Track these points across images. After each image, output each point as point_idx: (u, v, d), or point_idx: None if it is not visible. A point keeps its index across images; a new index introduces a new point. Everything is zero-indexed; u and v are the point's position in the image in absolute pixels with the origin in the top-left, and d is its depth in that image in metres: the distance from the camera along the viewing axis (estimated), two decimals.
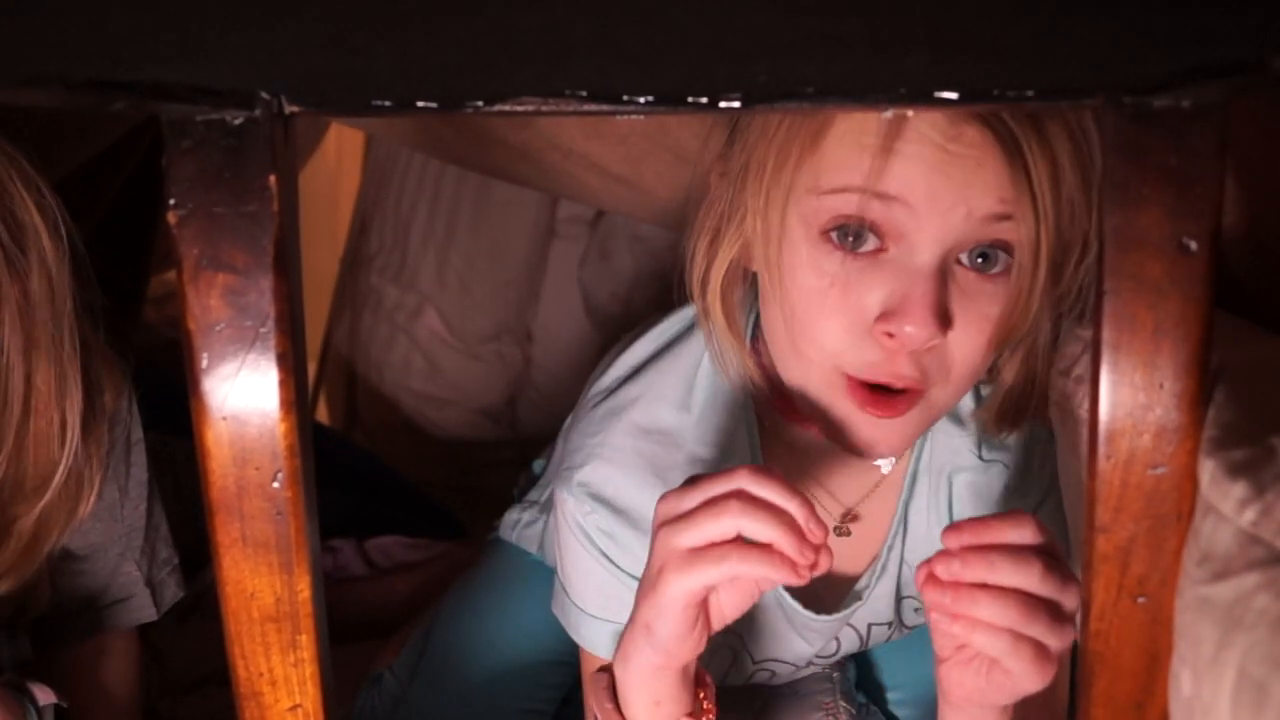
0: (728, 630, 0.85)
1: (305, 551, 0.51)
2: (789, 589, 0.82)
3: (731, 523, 0.58)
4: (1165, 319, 0.47)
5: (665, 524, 0.61)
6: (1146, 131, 0.45)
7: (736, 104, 0.44)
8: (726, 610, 0.65)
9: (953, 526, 0.59)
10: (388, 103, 0.45)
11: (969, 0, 0.43)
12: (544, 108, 0.45)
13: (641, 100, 0.44)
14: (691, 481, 0.62)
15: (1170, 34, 0.42)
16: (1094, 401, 0.49)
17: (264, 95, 0.45)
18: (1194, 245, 0.46)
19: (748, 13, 0.43)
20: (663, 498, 0.62)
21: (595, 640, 0.80)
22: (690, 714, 0.69)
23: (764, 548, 0.59)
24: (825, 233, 0.65)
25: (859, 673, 1.02)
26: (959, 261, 0.65)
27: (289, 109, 0.45)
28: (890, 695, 1.02)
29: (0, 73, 0.44)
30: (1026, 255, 0.64)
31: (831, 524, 0.82)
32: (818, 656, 0.90)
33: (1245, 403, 0.50)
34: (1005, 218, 0.63)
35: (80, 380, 0.77)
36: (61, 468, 0.76)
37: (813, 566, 0.59)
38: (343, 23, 0.44)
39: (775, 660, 0.90)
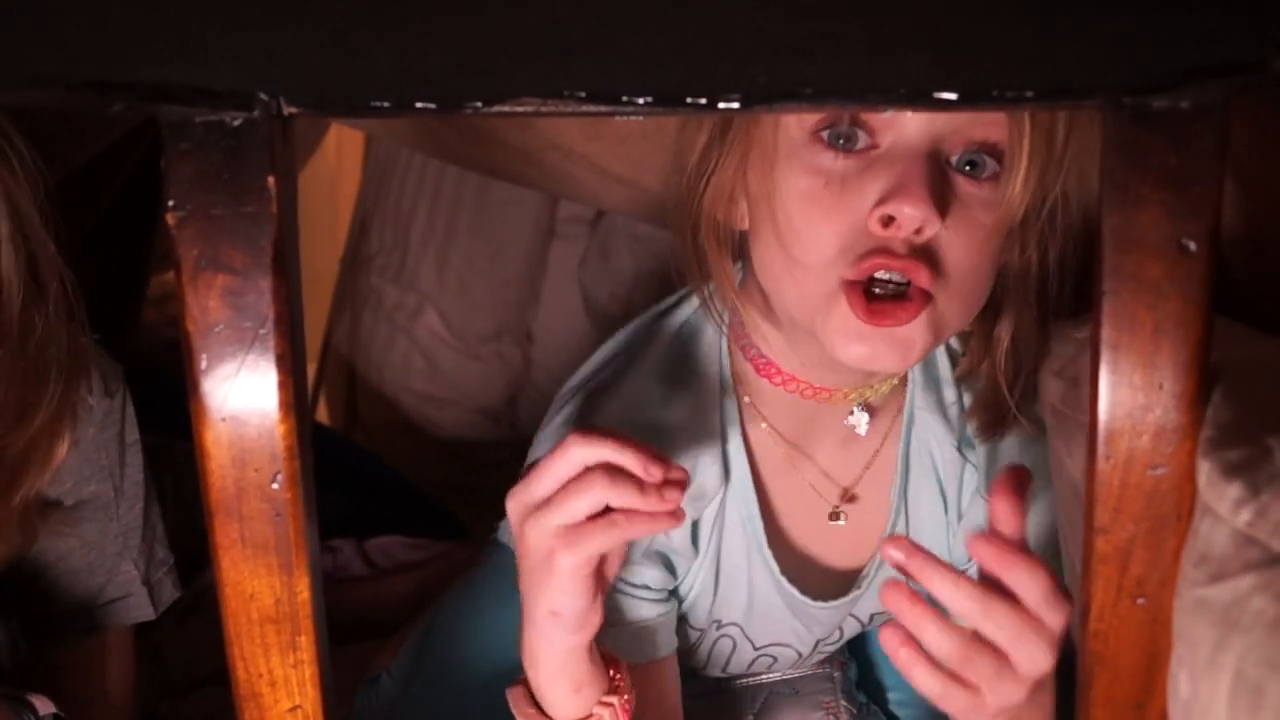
0: (726, 619, 0.85)
1: (304, 553, 0.51)
2: (789, 578, 0.82)
3: (600, 497, 0.61)
4: (1165, 319, 0.47)
5: (531, 513, 0.62)
6: (1146, 132, 0.45)
7: (735, 105, 0.44)
8: (609, 570, 0.66)
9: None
10: (386, 104, 0.45)
11: (969, 1, 0.43)
12: (543, 109, 0.45)
13: (640, 101, 0.44)
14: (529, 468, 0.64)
15: (1170, 35, 0.43)
16: (1093, 402, 0.49)
17: (263, 96, 0.45)
18: (1193, 246, 0.46)
19: (747, 14, 0.43)
20: (511, 492, 0.64)
21: None
22: (608, 692, 0.70)
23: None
24: (816, 133, 0.65)
25: (860, 672, 1.02)
26: (949, 164, 0.65)
27: (288, 110, 0.45)
28: (891, 695, 1.02)
29: (1, 73, 0.44)
30: (1017, 152, 0.64)
31: (829, 506, 0.82)
32: (822, 643, 0.90)
33: (1241, 403, 0.50)
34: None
35: (65, 328, 0.78)
36: (46, 404, 0.77)
37: (671, 496, 0.61)
38: (341, 24, 0.44)
39: (777, 644, 0.90)
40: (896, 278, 0.65)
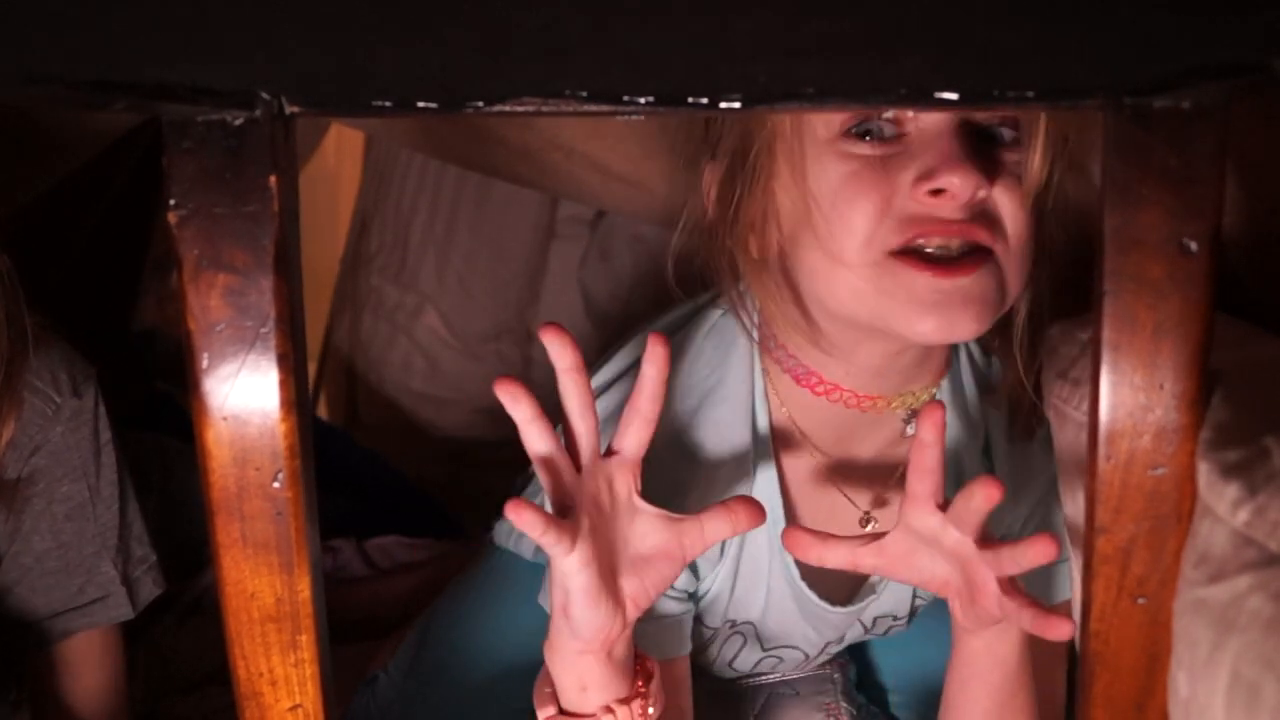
0: (741, 618, 0.86)
1: (305, 551, 0.51)
2: (807, 582, 0.82)
3: None
4: (1165, 319, 0.47)
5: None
6: (1147, 132, 0.45)
7: (736, 104, 0.44)
8: (641, 596, 0.67)
9: None
10: (388, 103, 0.45)
11: (969, 1, 0.43)
12: (544, 108, 0.45)
13: (642, 101, 0.44)
14: None
15: (1171, 35, 0.42)
16: (1094, 402, 0.49)
17: (264, 96, 0.45)
18: (1194, 246, 0.46)
19: (748, 13, 0.43)
20: None
21: None
22: (623, 700, 0.69)
23: None
24: (845, 133, 0.66)
25: (860, 673, 1.02)
26: (976, 135, 0.66)
27: (289, 109, 0.45)
28: (891, 697, 1.02)
29: (1, 73, 0.44)
30: (1035, 121, 0.65)
31: (859, 512, 0.82)
32: (829, 646, 0.90)
33: (1239, 404, 0.50)
34: None
35: (2, 311, 0.78)
36: None
37: None
38: (343, 23, 0.44)
39: (786, 647, 0.90)
40: (953, 245, 0.65)
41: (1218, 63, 0.43)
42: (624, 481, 0.67)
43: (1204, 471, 0.48)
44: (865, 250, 0.65)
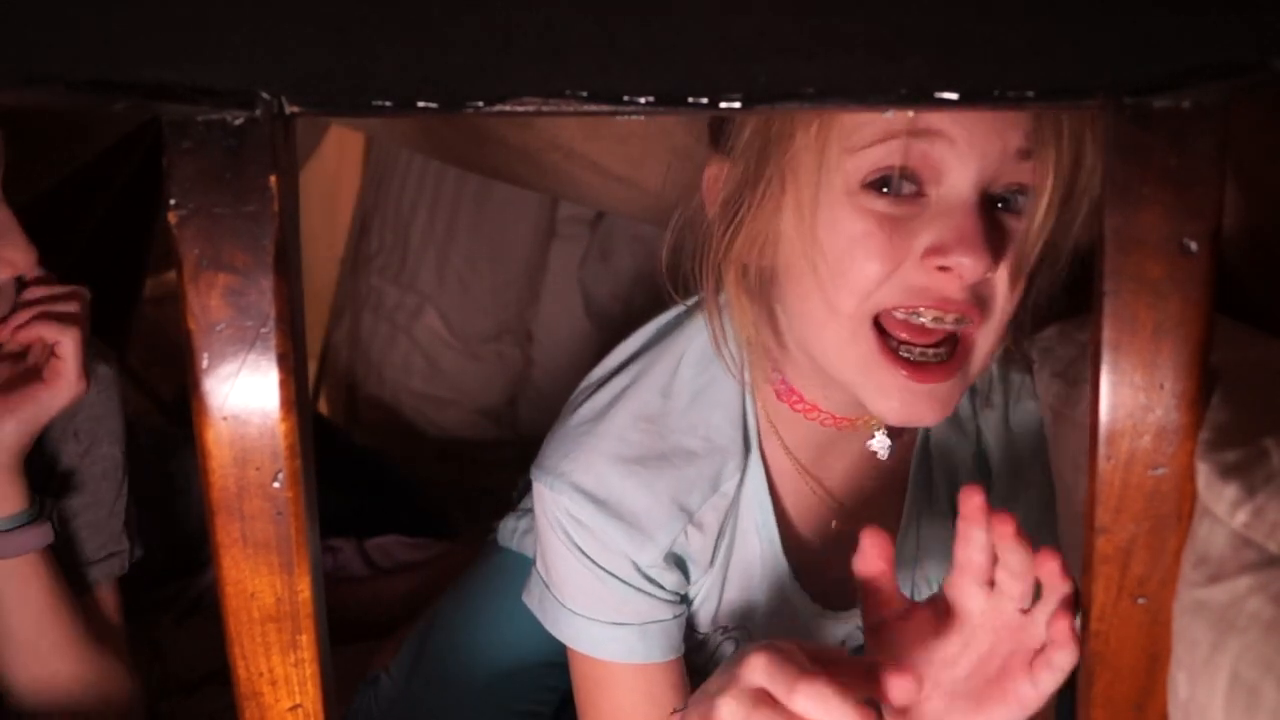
0: (733, 624, 0.85)
1: (305, 551, 0.51)
2: (801, 582, 0.82)
3: None
4: (1165, 319, 0.47)
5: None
6: (1147, 132, 0.45)
7: (737, 104, 0.44)
8: None
9: None
10: (388, 103, 0.45)
11: (970, 1, 0.43)
12: (544, 108, 0.45)
13: (642, 101, 0.44)
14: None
15: (1171, 35, 0.43)
16: (1094, 402, 0.49)
17: (265, 95, 0.45)
18: (1194, 246, 0.46)
19: (748, 13, 0.43)
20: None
21: (576, 636, 0.80)
22: None
23: None
24: (865, 186, 0.65)
25: None
26: (992, 202, 0.65)
27: (290, 109, 0.45)
28: None
29: (1, 72, 0.44)
30: (1047, 187, 0.64)
31: (832, 516, 0.82)
32: None
33: (1238, 404, 0.50)
34: (1027, 154, 0.64)
35: None
36: None
37: None
38: (343, 23, 0.44)
39: None
40: (948, 318, 0.65)
41: (1218, 63, 0.43)
42: None
43: (1203, 472, 0.48)
44: (861, 304, 0.66)
